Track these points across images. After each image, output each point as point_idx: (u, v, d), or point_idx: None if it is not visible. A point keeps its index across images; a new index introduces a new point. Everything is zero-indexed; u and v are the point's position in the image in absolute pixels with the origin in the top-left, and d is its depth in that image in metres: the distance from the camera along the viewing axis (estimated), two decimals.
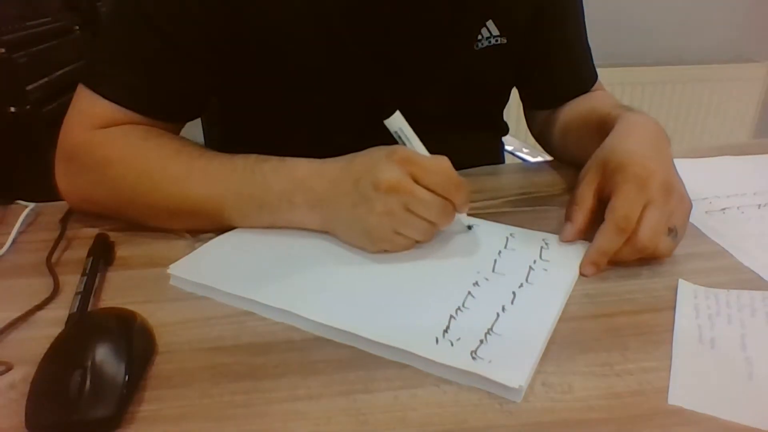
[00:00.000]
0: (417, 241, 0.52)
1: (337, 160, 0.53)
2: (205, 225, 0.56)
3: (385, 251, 0.51)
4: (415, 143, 0.54)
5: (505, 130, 0.86)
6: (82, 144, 0.58)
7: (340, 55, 0.65)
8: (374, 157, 0.51)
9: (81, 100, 0.60)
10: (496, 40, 0.69)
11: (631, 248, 0.49)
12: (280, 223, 0.55)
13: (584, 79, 0.78)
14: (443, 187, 0.49)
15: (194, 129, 0.95)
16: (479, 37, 0.68)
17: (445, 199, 0.50)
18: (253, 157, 0.55)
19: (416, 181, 0.49)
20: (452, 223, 0.52)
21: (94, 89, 0.59)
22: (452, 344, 0.40)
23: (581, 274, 0.49)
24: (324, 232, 0.54)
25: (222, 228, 0.56)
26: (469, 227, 0.56)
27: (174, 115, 0.63)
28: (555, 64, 0.76)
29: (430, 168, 0.50)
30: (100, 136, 0.58)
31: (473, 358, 0.39)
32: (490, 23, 0.68)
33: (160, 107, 0.60)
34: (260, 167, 0.54)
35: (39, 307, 0.46)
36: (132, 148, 0.57)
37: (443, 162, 0.51)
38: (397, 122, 0.53)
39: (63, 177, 0.60)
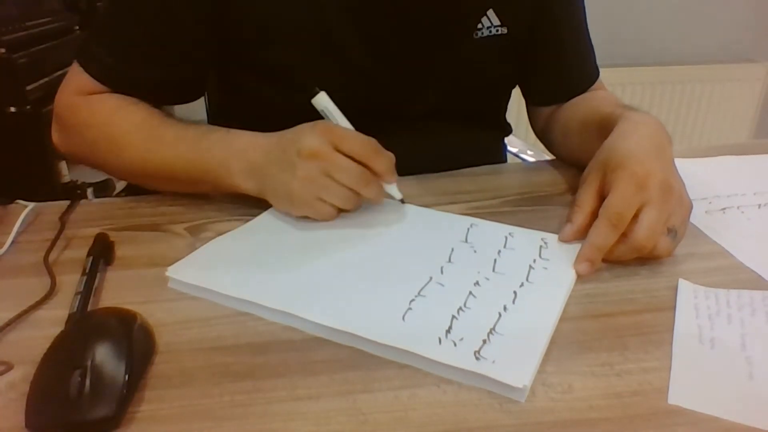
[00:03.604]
0: (341, 210, 0.55)
1: (274, 134, 0.57)
2: (167, 187, 0.64)
3: (307, 217, 0.55)
4: (339, 119, 0.58)
5: (507, 130, 0.86)
6: (67, 106, 0.65)
7: (336, 45, 0.65)
8: (302, 127, 0.55)
9: (72, 72, 0.66)
10: (497, 30, 0.69)
11: (628, 247, 0.49)
12: (224, 188, 0.59)
13: (586, 76, 0.78)
14: (361, 152, 0.53)
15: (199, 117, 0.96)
16: (479, 26, 0.68)
17: (366, 166, 0.53)
18: (204, 127, 0.61)
19: (337, 150, 0.53)
20: (379, 195, 0.56)
21: (81, 65, 0.64)
22: (455, 344, 0.40)
23: (576, 272, 0.49)
24: (262, 197, 0.57)
25: (184, 191, 0.63)
26: (402, 201, 0.59)
27: (149, 97, 0.65)
28: (557, 60, 0.76)
29: (348, 136, 0.54)
30: (82, 101, 0.64)
31: (477, 358, 0.39)
32: (490, 12, 0.68)
33: (136, 89, 0.64)
34: (207, 137, 0.59)
35: (35, 307, 0.46)
36: (106, 115, 0.63)
37: (365, 136, 0.55)
38: (322, 101, 0.57)
39: (54, 133, 0.67)
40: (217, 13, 0.62)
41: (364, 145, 0.54)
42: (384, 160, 0.55)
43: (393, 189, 0.58)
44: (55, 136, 0.67)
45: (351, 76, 0.67)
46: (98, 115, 0.63)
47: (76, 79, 0.65)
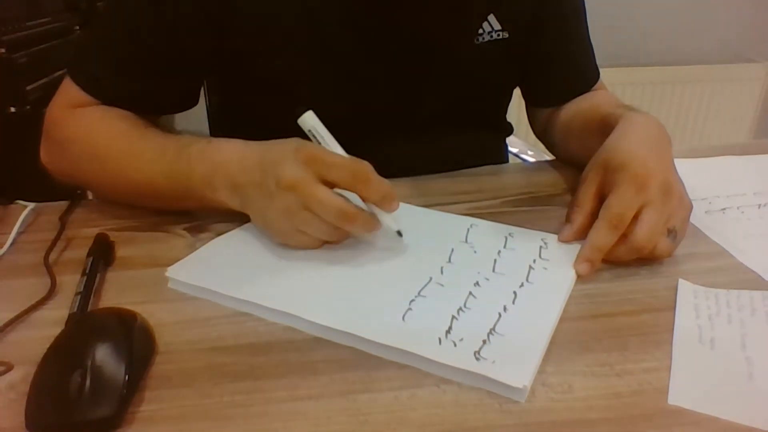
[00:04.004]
0: (326, 241, 0.51)
1: (261, 145, 0.52)
2: (153, 205, 0.59)
3: (287, 245, 0.52)
4: (329, 141, 0.51)
5: (508, 130, 0.86)
6: (54, 120, 0.63)
7: (335, 53, 0.65)
8: (285, 150, 0.50)
9: (63, 84, 0.64)
10: (498, 35, 0.69)
11: (628, 248, 0.49)
12: (210, 205, 0.55)
13: (587, 77, 0.78)
14: (350, 181, 0.48)
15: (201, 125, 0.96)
16: (480, 31, 0.68)
17: (359, 194, 0.49)
18: (185, 139, 0.57)
19: (322, 178, 0.48)
20: (368, 230, 0.50)
21: (71, 76, 0.63)
22: (455, 345, 0.40)
23: (576, 273, 0.49)
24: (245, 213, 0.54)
25: (175, 209, 0.59)
26: (399, 233, 0.51)
27: (139, 109, 0.63)
28: (557, 61, 0.76)
29: (336, 163, 0.49)
30: (69, 114, 0.62)
31: (477, 358, 0.39)
32: (491, 17, 0.68)
33: (125, 100, 0.62)
34: (187, 151, 0.55)
35: (35, 307, 0.46)
36: (87, 128, 0.61)
37: (355, 160, 0.49)
38: (309, 122, 0.51)
39: (43, 151, 0.64)
40: (211, 25, 0.61)
41: (354, 172, 0.49)
42: (377, 187, 0.49)
43: (388, 218, 0.51)
44: (44, 155, 0.64)
45: (351, 84, 0.67)
46: (81, 127, 0.61)
47: (66, 92, 0.63)
